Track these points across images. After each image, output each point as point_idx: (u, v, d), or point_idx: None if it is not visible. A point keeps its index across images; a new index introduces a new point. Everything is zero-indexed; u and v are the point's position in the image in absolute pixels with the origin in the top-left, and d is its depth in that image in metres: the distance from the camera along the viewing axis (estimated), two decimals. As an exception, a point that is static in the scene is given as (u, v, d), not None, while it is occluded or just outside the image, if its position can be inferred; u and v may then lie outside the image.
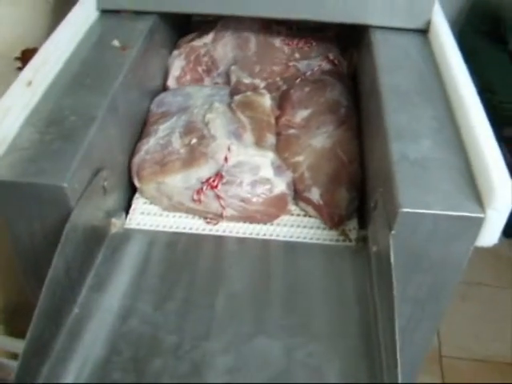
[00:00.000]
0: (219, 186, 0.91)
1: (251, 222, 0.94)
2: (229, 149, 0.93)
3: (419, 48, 1.01)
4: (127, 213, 0.95)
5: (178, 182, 0.93)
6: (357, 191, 0.97)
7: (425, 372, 1.73)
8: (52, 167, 0.74)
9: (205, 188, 0.91)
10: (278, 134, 1.03)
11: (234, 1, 1.05)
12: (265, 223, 0.94)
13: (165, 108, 1.06)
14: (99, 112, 0.83)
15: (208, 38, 1.23)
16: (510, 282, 2.06)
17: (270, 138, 1.00)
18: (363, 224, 0.93)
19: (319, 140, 1.01)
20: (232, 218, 0.93)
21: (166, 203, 0.95)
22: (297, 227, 0.94)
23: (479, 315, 1.95)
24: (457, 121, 0.84)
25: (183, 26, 1.31)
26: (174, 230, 0.92)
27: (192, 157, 0.94)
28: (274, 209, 0.94)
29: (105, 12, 1.07)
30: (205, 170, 0.93)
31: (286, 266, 0.86)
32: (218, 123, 0.98)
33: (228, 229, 0.93)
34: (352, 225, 0.95)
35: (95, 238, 0.84)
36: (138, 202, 0.98)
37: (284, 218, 0.96)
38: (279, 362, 0.72)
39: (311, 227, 0.94)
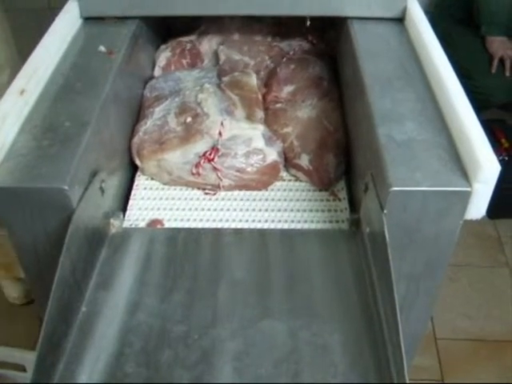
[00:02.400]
0: (216, 159, 0.97)
1: (247, 190, 1.01)
2: (222, 124, 0.99)
3: (397, 35, 1.04)
4: (124, 214, 0.97)
5: (177, 157, 0.99)
6: (343, 156, 1.04)
7: (421, 354, 1.77)
8: (51, 171, 0.76)
9: (202, 161, 0.98)
10: (266, 109, 1.11)
11: (213, 1, 1.07)
12: (260, 189, 1.02)
13: (157, 92, 1.12)
14: (92, 116, 0.85)
15: (194, 35, 1.29)
16: (496, 261, 2.10)
17: (259, 113, 1.07)
18: (354, 207, 0.96)
19: (305, 112, 1.09)
20: (229, 188, 1.00)
21: (167, 178, 1.02)
22: (289, 191, 1.02)
23: (470, 296, 1.98)
24: (438, 102, 0.88)
25: (166, 28, 1.34)
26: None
27: (188, 134, 1.00)
28: (267, 176, 1.01)
29: (88, 19, 1.09)
30: (201, 145, 0.99)
31: (284, 253, 0.88)
32: (210, 102, 1.04)
33: (226, 196, 1.01)
34: (340, 185, 1.02)
35: (96, 238, 0.86)
36: (140, 179, 1.05)
37: (277, 184, 1.03)
38: (286, 343, 0.74)
39: (303, 190, 1.02)
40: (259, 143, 1.00)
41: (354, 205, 0.98)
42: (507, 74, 2.11)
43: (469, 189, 0.75)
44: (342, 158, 1.04)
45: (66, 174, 0.76)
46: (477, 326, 1.89)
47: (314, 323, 0.77)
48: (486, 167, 0.73)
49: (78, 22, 1.07)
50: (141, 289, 0.82)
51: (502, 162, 2.14)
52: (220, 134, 0.98)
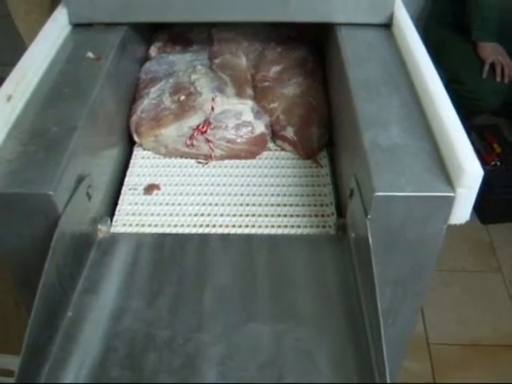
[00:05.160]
0: (208, 131, 1.06)
1: (237, 159, 1.09)
2: (214, 100, 1.08)
3: (384, 41, 1.04)
4: (112, 219, 0.97)
5: (173, 132, 1.08)
6: (325, 128, 1.12)
7: (413, 360, 1.77)
8: (38, 177, 0.76)
9: (196, 134, 1.06)
10: (254, 87, 1.21)
11: (201, 8, 1.07)
12: (248, 159, 1.10)
13: (152, 75, 1.20)
14: (80, 121, 0.85)
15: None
16: (489, 266, 2.10)
17: (249, 91, 1.18)
18: (340, 213, 0.97)
19: (290, 89, 1.17)
20: (220, 158, 1.09)
21: (163, 151, 1.10)
22: (276, 159, 1.10)
23: (463, 301, 1.99)
24: (423, 107, 0.88)
25: (154, 34, 1.35)
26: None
27: (183, 110, 1.08)
28: (255, 147, 1.10)
29: (77, 26, 1.09)
30: (195, 120, 1.07)
31: (270, 259, 0.88)
32: (203, 82, 1.13)
33: (218, 164, 1.09)
34: (322, 154, 1.11)
35: (83, 243, 0.86)
36: (138, 149, 1.13)
37: (264, 154, 1.12)
38: (270, 348, 0.75)
39: (288, 158, 1.11)
40: (248, 116, 1.08)
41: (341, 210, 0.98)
42: (498, 79, 2.13)
43: (452, 194, 0.75)
44: (325, 130, 1.12)
45: (51, 180, 0.76)
46: (469, 331, 1.90)
47: (299, 328, 0.77)
48: (469, 172, 0.73)
49: (67, 28, 1.08)
50: (127, 294, 0.82)
51: (494, 167, 2.15)
52: (212, 108, 1.06)
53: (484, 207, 2.03)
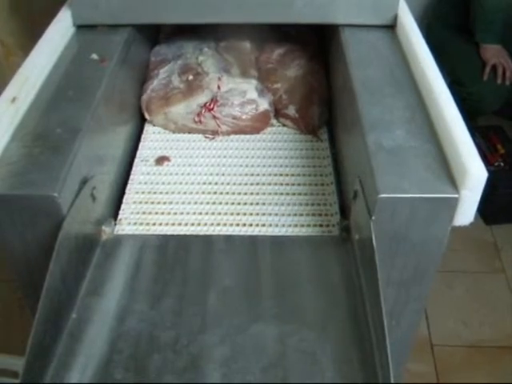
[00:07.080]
0: (215, 109, 1.13)
1: (243, 134, 1.16)
2: (220, 79, 1.15)
3: (387, 43, 1.04)
4: (116, 220, 0.97)
5: (182, 109, 1.15)
6: (326, 107, 1.19)
7: (417, 361, 1.77)
8: (42, 178, 0.77)
9: (203, 111, 1.13)
10: (258, 69, 1.26)
11: (205, 9, 1.07)
12: (252, 134, 1.17)
13: (161, 57, 1.27)
14: (84, 123, 0.86)
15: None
16: (492, 267, 2.10)
17: (253, 71, 1.24)
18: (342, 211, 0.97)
19: (293, 71, 1.24)
20: (227, 133, 1.16)
21: (173, 127, 1.18)
22: (278, 134, 1.17)
23: (466, 302, 1.98)
24: (427, 109, 0.88)
25: (158, 35, 1.35)
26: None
27: (190, 89, 1.15)
28: (259, 123, 1.17)
29: (81, 27, 1.09)
30: (202, 98, 1.14)
31: (274, 260, 0.88)
32: (210, 62, 1.20)
33: (224, 138, 1.16)
34: (322, 129, 1.18)
35: (87, 245, 0.87)
36: (149, 126, 1.20)
37: (268, 129, 1.18)
38: (274, 349, 0.75)
39: (289, 133, 1.18)
40: (253, 94, 1.15)
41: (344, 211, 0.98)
42: (498, 81, 2.12)
43: (456, 195, 0.75)
44: (325, 108, 1.18)
45: (56, 181, 0.76)
46: (473, 333, 1.89)
47: (303, 330, 0.77)
48: (473, 174, 0.73)
49: (71, 30, 1.08)
50: (131, 295, 0.82)
51: (497, 168, 2.15)
52: (218, 87, 1.13)
53: (488, 208, 2.03)
